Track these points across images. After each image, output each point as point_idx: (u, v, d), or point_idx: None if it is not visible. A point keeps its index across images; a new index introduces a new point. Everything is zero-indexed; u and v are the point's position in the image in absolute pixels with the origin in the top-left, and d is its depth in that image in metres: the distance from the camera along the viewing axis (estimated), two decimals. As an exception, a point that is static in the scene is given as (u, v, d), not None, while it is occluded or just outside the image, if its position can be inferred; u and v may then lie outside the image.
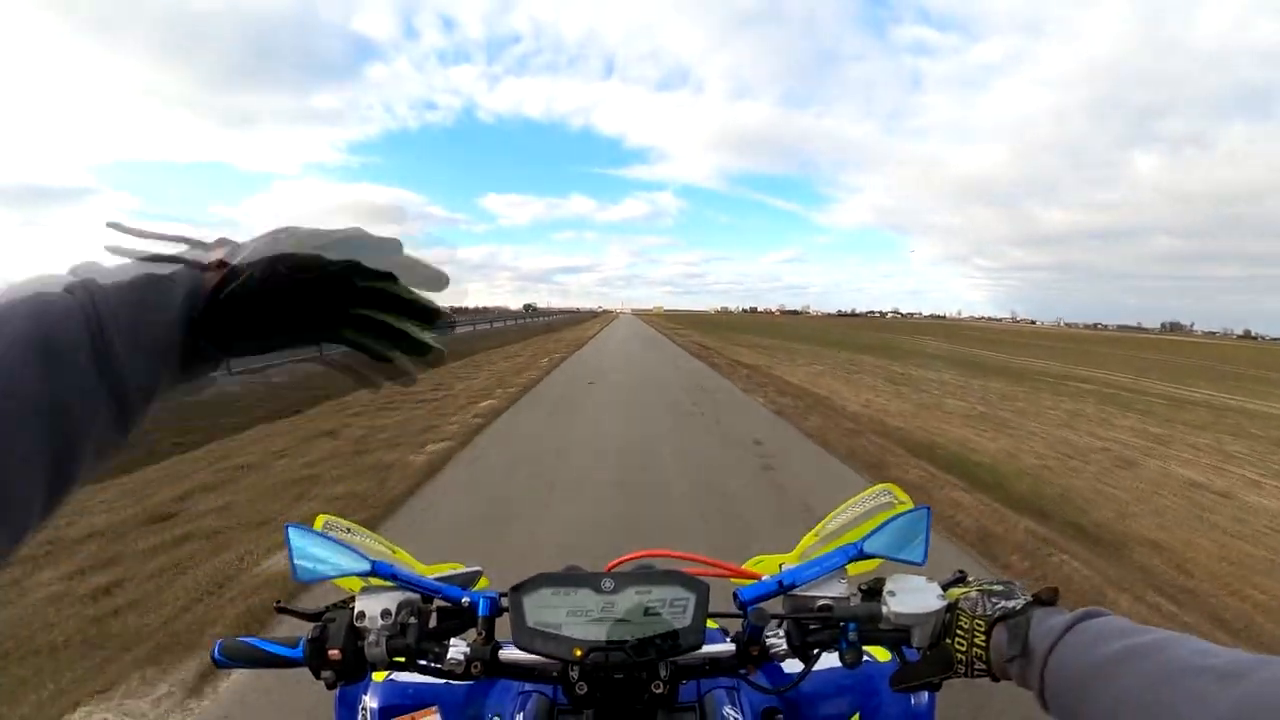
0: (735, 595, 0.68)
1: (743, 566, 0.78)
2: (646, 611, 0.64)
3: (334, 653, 0.61)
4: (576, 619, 0.64)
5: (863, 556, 0.67)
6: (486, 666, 0.64)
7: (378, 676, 0.91)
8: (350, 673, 0.63)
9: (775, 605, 0.67)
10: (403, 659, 0.64)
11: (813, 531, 0.76)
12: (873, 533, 0.67)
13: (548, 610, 0.64)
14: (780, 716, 0.88)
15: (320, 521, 0.73)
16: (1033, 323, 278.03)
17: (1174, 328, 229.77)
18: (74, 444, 0.28)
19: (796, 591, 0.67)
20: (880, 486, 0.77)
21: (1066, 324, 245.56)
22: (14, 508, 0.25)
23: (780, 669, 0.85)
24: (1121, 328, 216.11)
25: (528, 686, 0.79)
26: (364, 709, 0.90)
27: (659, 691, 0.63)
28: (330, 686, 0.63)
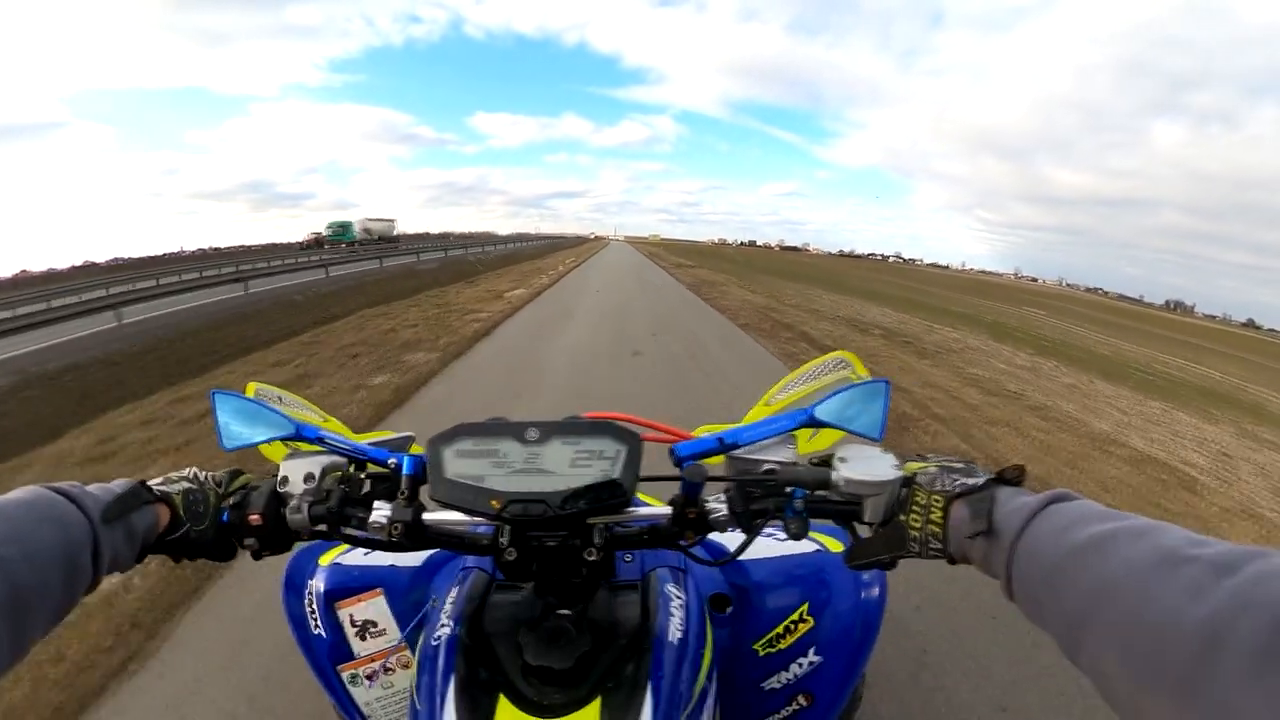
0: (671, 451, 0.64)
1: (690, 433, 0.72)
2: (574, 464, 0.58)
3: (254, 518, 0.58)
4: (498, 471, 0.59)
5: (813, 423, 0.63)
6: (408, 529, 0.60)
7: (324, 560, 0.92)
8: (273, 541, 0.60)
9: (719, 471, 0.63)
10: (325, 525, 0.61)
11: (761, 400, 0.74)
12: (825, 398, 0.63)
13: (468, 462, 0.59)
14: (730, 608, 0.88)
15: (251, 389, 0.70)
16: (1034, 280, 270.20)
17: (1177, 306, 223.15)
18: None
19: (740, 453, 0.64)
20: (836, 354, 0.73)
21: (1068, 284, 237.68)
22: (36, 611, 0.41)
23: (726, 550, 0.83)
24: (1122, 297, 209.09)
25: (469, 562, 0.79)
26: (310, 593, 0.90)
27: (592, 559, 0.59)
28: (255, 557, 0.60)
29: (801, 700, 0.88)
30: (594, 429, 0.59)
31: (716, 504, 0.61)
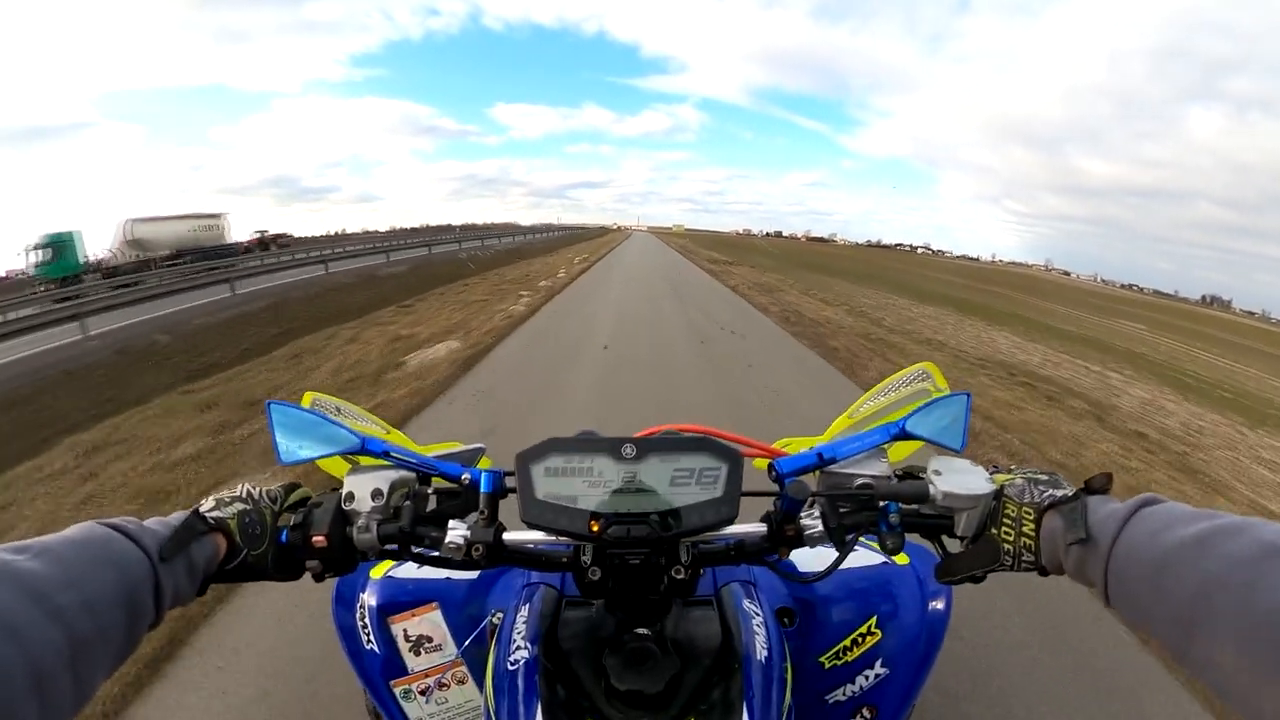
0: (771, 467, 0.64)
1: (772, 446, 0.73)
2: (674, 482, 0.57)
3: (318, 539, 0.55)
4: (593, 490, 0.57)
5: (905, 436, 0.63)
6: (489, 551, 0.58)
7: (375, 573, 0.89)
8: (338, 563, 0.57)
9: (810, 484, 0.62)
10: (396, 545, 0.58)
11: (845, 414, 0.74)
12: (914, 413, 0.63)
13: (560, 480, 0.57)
14: (797, 619, 0.88)
15: (308, 399, 0.67)
16: (1067, 274, 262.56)
17: (1214, 301, 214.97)
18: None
19: (834, 468, 0.63)
20: (917, 366, 0.73)
21: (1103, 280, 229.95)
22: (99, 660, 0.39)
23: (796, 567, 0.78)
24: (1157, 293, 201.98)
25: (534, 578, 0.77)
26: (362, 607, 0.88)
27: (679, 578, 0.58)
28: (317, 578, 0.57)
29: (865, 713, 0.87)
30: (692, 445, 0.58)
31: (809, 520, 0.61)
